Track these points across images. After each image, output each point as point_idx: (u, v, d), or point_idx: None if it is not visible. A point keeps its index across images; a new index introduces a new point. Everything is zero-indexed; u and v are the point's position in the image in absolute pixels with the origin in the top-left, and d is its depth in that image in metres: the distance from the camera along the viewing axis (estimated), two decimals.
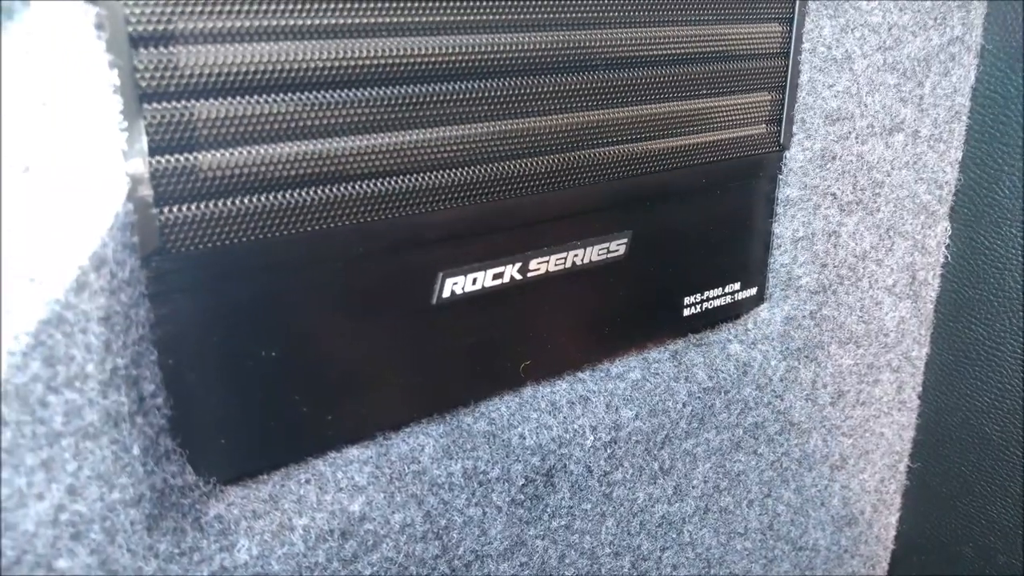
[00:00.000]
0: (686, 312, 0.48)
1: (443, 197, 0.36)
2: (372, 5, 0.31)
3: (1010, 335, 0.61)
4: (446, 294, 0.37)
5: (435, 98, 0.34)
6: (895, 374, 0.60)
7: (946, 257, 0.59)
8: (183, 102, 0.28)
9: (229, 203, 0.30)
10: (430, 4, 0.32)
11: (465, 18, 0.34)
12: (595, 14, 0.37)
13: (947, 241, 0.59)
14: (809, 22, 0.47)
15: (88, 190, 0.27)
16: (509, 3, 0.35)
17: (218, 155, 0.30)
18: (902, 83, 0.51)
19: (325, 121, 0.31)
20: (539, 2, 0.35)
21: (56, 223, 0.26)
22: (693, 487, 0.49)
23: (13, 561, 0.27)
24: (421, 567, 0.38)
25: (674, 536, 0.49)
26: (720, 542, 0.52)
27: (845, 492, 0.60)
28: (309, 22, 0.30)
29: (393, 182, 0.34)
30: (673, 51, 0.41)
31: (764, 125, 0.47)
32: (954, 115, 0.55)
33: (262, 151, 0.30)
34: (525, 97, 0.37)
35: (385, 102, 0.33)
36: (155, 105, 0.28)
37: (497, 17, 0.34)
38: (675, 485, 0.48)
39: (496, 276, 0.39)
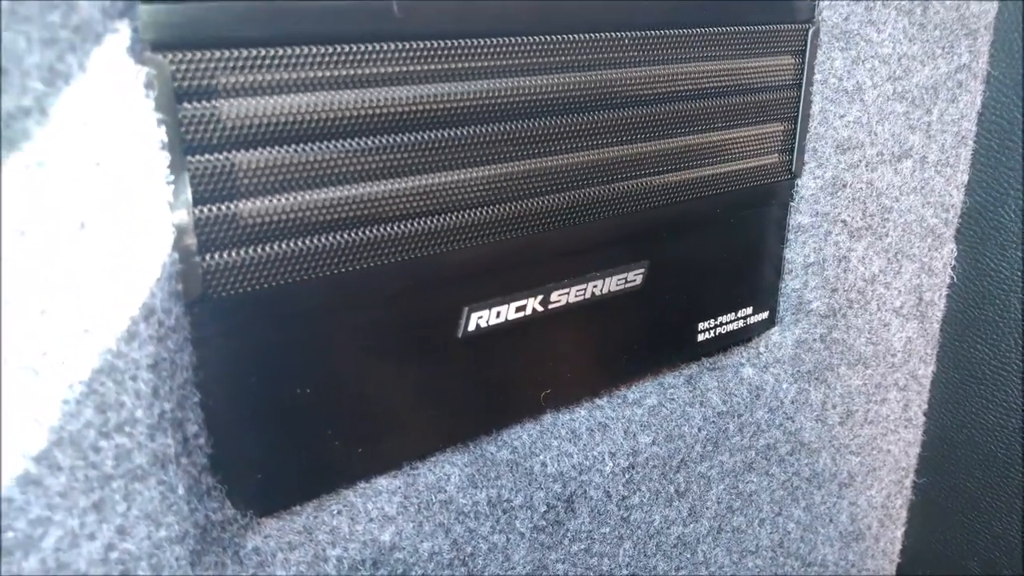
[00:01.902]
0: (700, 337, 0.50)
1: (469, 235, 0.37)
2: (398, 55, 0.32)
3: (1015, 355, 0.62)
4: (471, 328, 0.39)
5: (463, 141, 0.35)
6: (902, 393, 0.61)
7: (952, 278, 0.61)
8: (225, 153, 0.29)
9: (267, 248, 0.31)
10: (456, 52, 0.33)
11: (489, 64, 0.35)
12: (612, 55, 0.38)
13: (953, 263, 0.60)
14: (821, 54, 0.48)
15: (137, 243, 0.28)
16: (529, 48, 0.36)
17: (257, 203, 0.31)
18: (911, 111, 0.52)
19: (358, 167, 0.32)
20: (556, 47, 0.36)
21: (108, 276, 0.27)
22: (707, 508, 0.50)
23: None
24: None
25: (688, 556, 0.50)
26: (732, 560, 0.53)
27: (853, 508, 0.61)
28: (340, 73, 0.31)
29: (422, 223, 0.35)
30: (688, 87, 0.42)
31: (777, 154, 0.48)
32: (960, 140, 0.56)
33: (299, 198, 0.32)
34: (546, 137, 0.38)
35: (415, 147, 0.34)
36: (199, 157, 0.29)
37: (519, 62, 0.35)
38: (690, 507, 0.49)
39: (519, 309, 0.40)
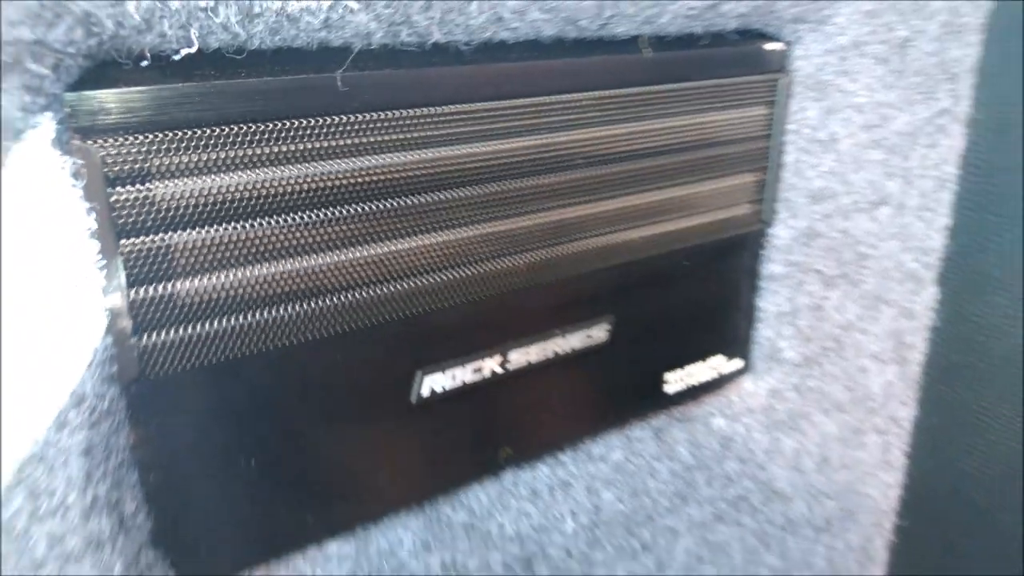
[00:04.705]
0: (669, 388, 0.49)
1: (419, 302, 0.36)
2: (343, 128, 0.32)
3: (998, 399, 0.61)
4: (425, 393, 0.38)
5: (407, 210, 0.34)
6: (881, 436, 0.60)
7: (934, 321, 0.60)
8: (159, 235, 0.29)
9: (206, 326, 0.31)
10: (409, 122, 0.33)
11: (439, 132, 0.34)
12: (571, 117, 0.38)
13: (935, 305, 0.59)
14: (794, 104, 0.47)
15: (67, 331, 0.27)
16: (484, 115, 0.35)
17: (195, 281, 0.30)
18: (888, 158, 0.51)
19: (299, 241, 0.32)
20: (514, 112, 0.36)
21: (37, 365, 0.27)
22: (675, 560, 0.50)
23: None
24: None
25: None
26: None
27: (830, 552, 0.61)
28: (278, 149, 0.30)
29: (366, 292, 0.34)
30: (653, 143, 0.41)
31: (748, 205, 0.48)
32: (941, 184, 0.55)
33: (238, 274, 0.31)
34: (498, 201, 0.37)
35: (357, 218, 0.33)
36: (132, 240, 0.29)
37: (472, 129, 0.35)
38: (656, 560, 0.49)
39: (476, 371, 0.40)
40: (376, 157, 0.33)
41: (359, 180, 0.33)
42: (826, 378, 0.54)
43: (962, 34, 0.51)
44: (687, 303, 0.48)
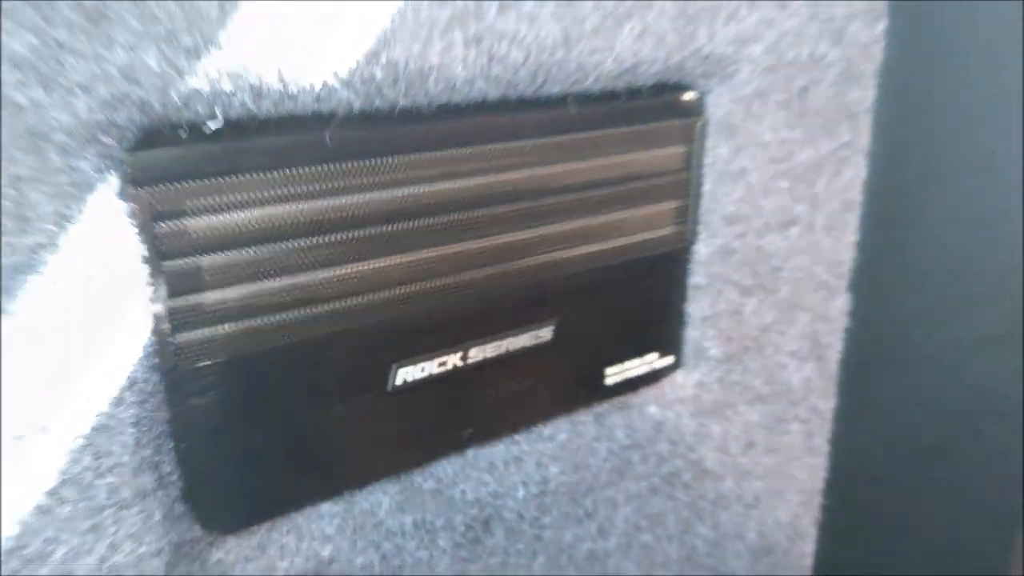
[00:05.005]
0: (609, 381, 0.58)
1: (395, 307, 0.45)
2: (330, 173, 0.41)
3: (907, 392, 0.70)
4: (399, 382, 0.47)
5: (385, 236, 0.44)
6: (804, 425, 0.69)
7: (848, 324, 0.69)
8: (192, 258, 0.38)
9: (226, 327, 0.40)
10: (380, 167, 0.42)
11: (406, 175, 0.43)
12: (519, 160, 0.47)
13: (848, 309, 0.68)
14: (709, 143, 0.56)
15: (124, 332, 0.37)
16: (439, 161, 0.44)
17: (218, 293, 0.40)
18: (794, 186, 0.60)
19: (297, 261, 0.41)
20: (465, 158, 0.45)
21: (102, 358, 0.36)
22: (615, 527, 0.59)
23: None
24: None
25: (599, 568, 0.59)
26: (642, 570, 0.62)
27: (761, 527, 0.70)
28: (282, 191, 0.40)
29: (353, 300, 0.44)
30: (588, 179, 0.51)
31: (673, 226, 0.57)
32: (848, 206, 0.64)
33: (251, 287, 0.40)
34: (459, 228, 0.46)
35: (347, 242, 0.42)
36: (172, 262, 0.38)
37: (431, 172, 0.44)
38: (598, 526, 0.58)
39: (441, 364, 0.49)
40: (359, 195, 0.42)
41: (346, 213, 0.42)
42: (747, 373, 0.63)
43: (858, 80, 0.61)
44: (624, 308, 0.57)
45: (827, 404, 0.71)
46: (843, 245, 0.66)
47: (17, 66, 0.30)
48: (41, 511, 0.36)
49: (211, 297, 0.40)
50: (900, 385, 0.72)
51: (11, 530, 0.35)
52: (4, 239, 0.32)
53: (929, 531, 0.74)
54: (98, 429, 0.36)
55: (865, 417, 0.72)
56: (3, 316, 0.33)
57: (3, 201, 0.32)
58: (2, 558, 0.35)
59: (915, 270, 0.69)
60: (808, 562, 0.76)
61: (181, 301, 0.39)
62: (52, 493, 0.36)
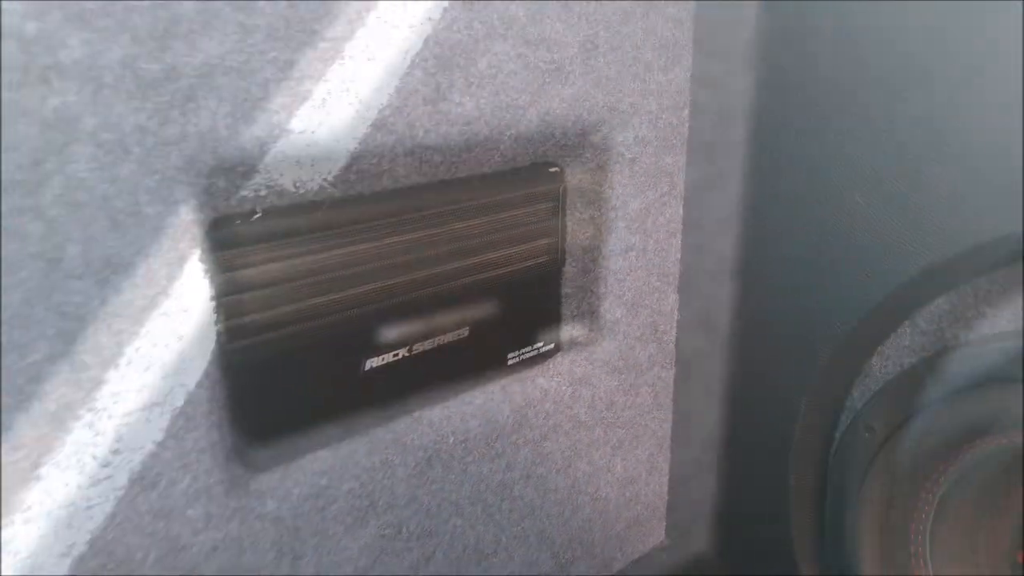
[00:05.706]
0: (510, 362, 0.84)
1: (366, 320, 0.70)
2: (325, 236, 0.65)
3: (721, 362, 1.00)
4: (367, 368, 0.72)
5: (361, 272, 0.68)
6: (651, 389, 0.98)
7: (678, 315, 0.98)
8: (239, 295, 0.62)
9: (260, 337, 0.64)
10: (355, 230, 0.67)
11: (377, 232, 0.68)
12: (434, 217, 0.73)
13: (678, 305, 0.98)
14: (569, 199, 0.83)
15: (199, 341, 0.60)
16: (391, 223, 0.69)
17: (255, 316, 0.63)
18: (630, 224, 0.88)
19: (308, 291, 0.65)
20: (399, 221, 0.70)
21: (183, 356, 0.59)
22: (518, 463, 0.85)
23: None
24: (364, 504, 0.72)
25: (508, 492, 0.85)
26: (539, 494, 0.88)
27: (625, 463, 0.98)
28: (295, 250, 0.64)
29: (341, 315, 0.68)
30: (482, 228, 0.77)
31: (548, 255, 0.84)
32: (671, 235, 0.93)
33: (276, 312, 0.64)
34: (399, 267, 0.71)
35: (338, 279, 0.67)
36: (225, 298, 0.61)
37: (387, 229, 0.69)
38: (506, 463, 0.84)
39: (394, 355, 0.74)
40: (340, 249, 0.67)
41: (334, 261, 0.66)
42: (606, 353, 0.91)
43: (671, 150, 0.90)
44: (518, 312, 0.83)
45: (667, 374, 1.00)
46: (669, 261, 0.95)
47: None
48: (154, 454, 0.59)
49: (249, 319, 0.63)
50: (716, 357, 1.01)
51: (136, 467, 0.58)
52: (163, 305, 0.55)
53: (755, 464, 1.04)
54: (173, 392, 0.59)
55: (696, 382, 1.02)
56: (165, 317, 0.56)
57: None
58: (127, 483, 0.58)
59: (716, 275, 0.99)
60: (664, 489, 1.05)
61: (230, 322, 0.62)
62: (161, 443, 0.59)
